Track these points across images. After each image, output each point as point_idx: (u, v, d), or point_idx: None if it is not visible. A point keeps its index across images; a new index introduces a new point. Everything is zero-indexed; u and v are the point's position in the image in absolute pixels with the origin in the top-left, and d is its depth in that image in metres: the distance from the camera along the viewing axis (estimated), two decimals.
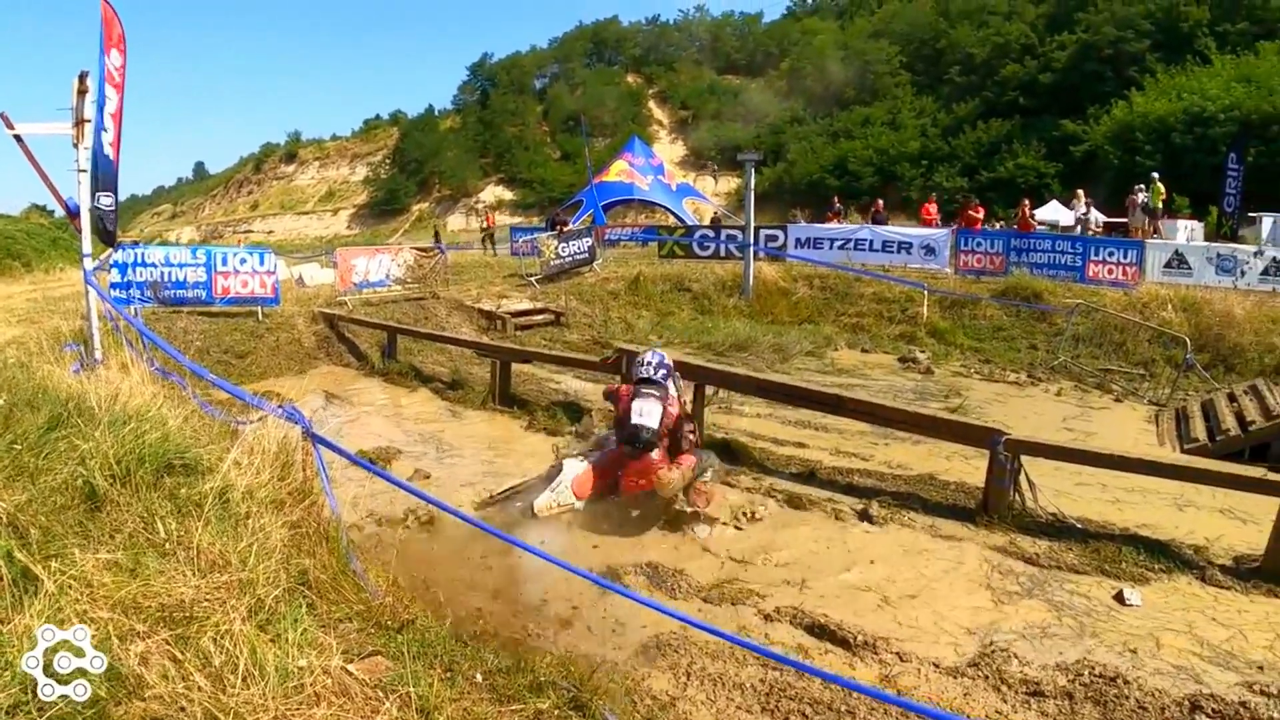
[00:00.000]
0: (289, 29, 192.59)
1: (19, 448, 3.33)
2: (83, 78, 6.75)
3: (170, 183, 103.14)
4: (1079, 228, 18.40)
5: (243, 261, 12.27)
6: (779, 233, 18.31)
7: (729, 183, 50.07)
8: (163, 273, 11.55)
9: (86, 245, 7.19)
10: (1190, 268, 14.35)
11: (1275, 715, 3.56)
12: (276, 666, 2.36)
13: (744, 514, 5.84)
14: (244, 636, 2.43)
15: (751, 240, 16.34)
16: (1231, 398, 9.58)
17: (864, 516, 5.90)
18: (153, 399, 4.52)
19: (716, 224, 22.77)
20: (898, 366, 12.31)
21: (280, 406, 4.56)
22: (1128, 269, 14.53)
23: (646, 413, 5.55)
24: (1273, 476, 5.45)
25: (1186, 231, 19.41)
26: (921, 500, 6.25)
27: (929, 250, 16.42)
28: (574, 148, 54.38)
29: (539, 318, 14.17)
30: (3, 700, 1.99)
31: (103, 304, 7.56)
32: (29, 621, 2.21)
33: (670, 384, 5.89)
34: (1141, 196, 17.82)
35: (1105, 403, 10.62)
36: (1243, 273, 13.96)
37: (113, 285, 10.85)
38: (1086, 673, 3.89)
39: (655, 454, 5.61)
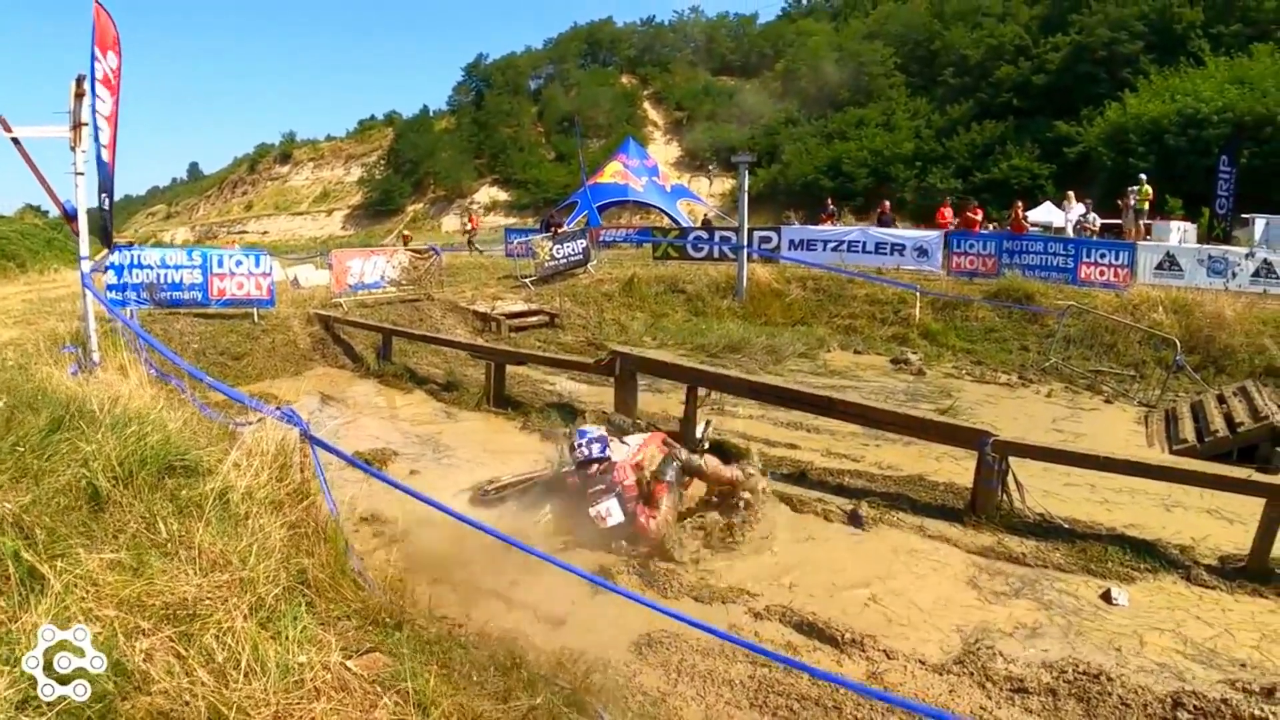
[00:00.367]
0: (284, 29, 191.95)
1: (22, 449, 3.38)
2: (80, 81, 6.75)
3: (165, 183, 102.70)
4: (1069, 229, 18.45)
5: (238, 263, 12.29)
6: (773, 234, 18.34)
7: (724, 184, 50.05)
8: (159, 274, 11.56)
9: (84, 248, 7.19)
10: (1182, 269, 14.42)
11: (1256, 712, 3.62)
12: (277, 662, 2.43)
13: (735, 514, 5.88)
14: (245, 633, 2.50)
15: (745, 242, 16.37)
16: (1221, 399, 9.66)
17: (854, 517, 5.98)
18: (153, 401, 4.58)
19: (707, 225, 22.80)
20: (890, 368, 12.38)
21: (278, 409, 4.62)
22: (1119, 271, 14.60)
23: (611, 512, 5.45)
24: (1258, 477, 5.55)
25: (1179, 233, 19.44)
26: (911, 501, 6.34)
27: (922, 252, 16.47)
28: (569, 149, 54.40)
29: (533, 319, 14.19)
30: (12, 695, 2.05)
31: (100, 306, 7.57)
32: (36, 620, 2.27)
33: (613, 446, 5.76)
34: (1133, 199, 17.94)
35: (1096, 404, 10.71)
36: (1234, 275, 14.02)
37: (109, 287, 10.84)
38: (1071, 670, 3.96)
39: (639, 516, 5.50)
